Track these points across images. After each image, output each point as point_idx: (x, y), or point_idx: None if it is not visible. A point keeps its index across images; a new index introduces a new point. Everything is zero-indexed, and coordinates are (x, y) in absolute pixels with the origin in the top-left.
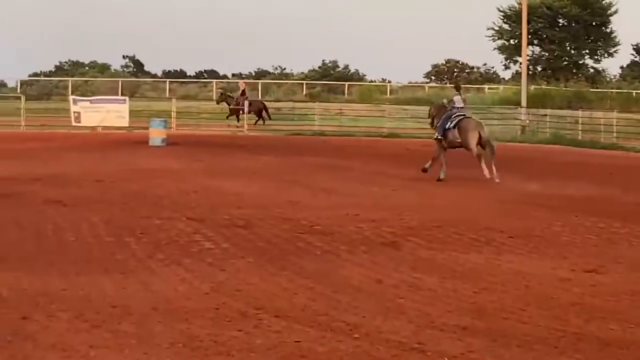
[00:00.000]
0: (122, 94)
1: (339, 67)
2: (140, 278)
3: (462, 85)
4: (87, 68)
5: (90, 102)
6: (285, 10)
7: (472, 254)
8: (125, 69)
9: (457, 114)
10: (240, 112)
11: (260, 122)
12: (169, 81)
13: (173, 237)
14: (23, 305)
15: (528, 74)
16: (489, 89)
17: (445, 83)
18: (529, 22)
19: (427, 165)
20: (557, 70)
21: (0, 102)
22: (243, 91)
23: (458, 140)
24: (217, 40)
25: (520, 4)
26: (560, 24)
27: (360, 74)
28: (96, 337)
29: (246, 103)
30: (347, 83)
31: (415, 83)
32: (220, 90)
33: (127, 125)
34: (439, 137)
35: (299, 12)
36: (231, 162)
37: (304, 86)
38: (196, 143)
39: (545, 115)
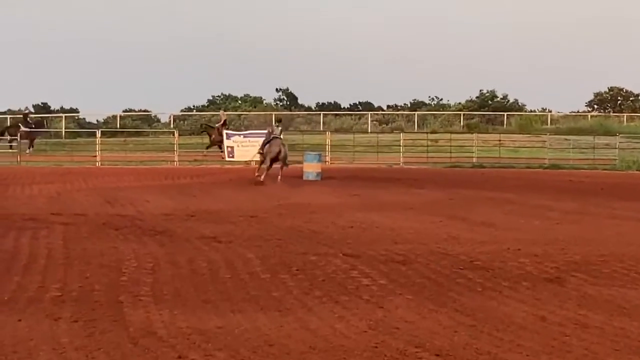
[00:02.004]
0: None
1: (497, 96)
2: (297, 316)
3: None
4: (239, 102)
5: (244, 137)
6: (441, 39)
7: None
8: (278, 102)
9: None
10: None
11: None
12: (323, 114)
13: (329, 274)
14: (179, 344)
15: None
16: None
17: (609, 112)
18: None
19: None
20: None
21: (154, 137)
22: (224, 122)
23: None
24: (373, 71)
25: None
26: None
27: (520, 104)
28: None
29: (224, 133)
30: (505, 113)
31: (577, 112)
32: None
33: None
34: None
35: (454, 41)
36: (387, 196)
37: (462, 117)
38: (351, 176)
39: None
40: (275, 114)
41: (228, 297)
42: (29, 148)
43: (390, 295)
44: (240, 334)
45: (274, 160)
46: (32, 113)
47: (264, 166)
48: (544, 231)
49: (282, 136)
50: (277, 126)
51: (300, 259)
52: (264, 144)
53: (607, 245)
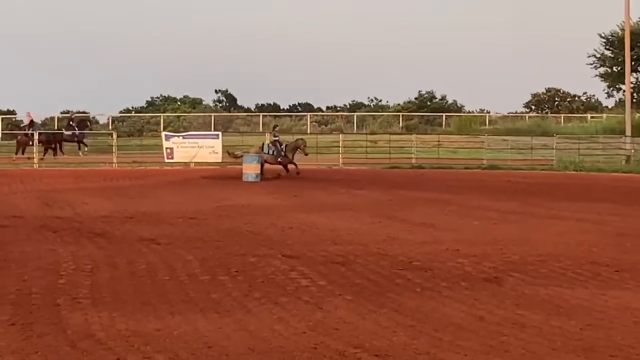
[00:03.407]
0: (214, 129)
1: (435, 97)
2: (236, 317)
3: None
4: (179, 103)
5: (183, 138)
6: (379, 41)
7: (577, 289)
8: (217, 104)
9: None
10: (30, 143)
11: (51, 154)
12: (262, 115)
13: (269, 275)
14: (118, 347)
15: (632, 101)
16: (591, 117)
17: (547, 112)
18: (632, 48)
19: None
20: None
21: (92, 139)
22: (30, 122)
23: None
24: (311, 72)
25: (622, 29)
26: None
27: (458, 105)
28: None
29: (35, 134)
30: (444, 114)
31: (515, 113)
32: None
33: (220, 160)
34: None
35: (393, 42)
36: (327, 197)
37: (401, 118)
38: (291, 178)
39: None
40: (214, 115)
41: (167, 299)
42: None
43: (329, 296)
44: (179, 336)
45: (280, 163)
46: None
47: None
48: (483, 231)
49: (278, 138)
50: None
51: (240, 261)
52: (269, 149)
53: (544, 245)
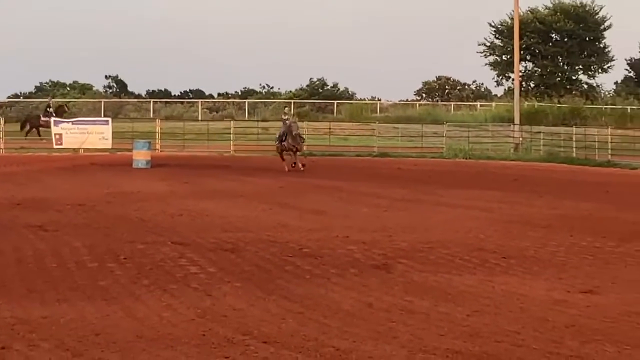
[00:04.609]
0: (104, 115)
1: (327, 85)
2: (124, 305)
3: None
4: (68, 89)
5: (72, 124)
6: (271, 28)
7: (465, 276)
8: (108, 89)
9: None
10: None
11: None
12: (153, 101)
13: (158, 262)
14: (2, 335)
15: (521, 90)
16: (480, 106)
17: (437, 100)
18: (521, 38)
19: None
20: (550, 86)
21: None
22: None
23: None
24: (203, 59)
25: (512, 19)
26: (554, 39)
27: (350, 92)
28: None
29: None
30: (336, 101)
31: (406, 101)
32: None
33: (110, 147)
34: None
35: (285, 29)
36: (218, 184)
37: (292, 105)
38: (181, 164)
39: (539, 132)
40: (104, 101)
41: (54, 286)
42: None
43: (218, 283)
44: (66, 323)
45: (295, 150)
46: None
47: (287, 158)
48: (373, 218)
49: (296, 121)
50: (287, 115)
51: (129, 248)
52: (280, 137)
53: (433, 232)
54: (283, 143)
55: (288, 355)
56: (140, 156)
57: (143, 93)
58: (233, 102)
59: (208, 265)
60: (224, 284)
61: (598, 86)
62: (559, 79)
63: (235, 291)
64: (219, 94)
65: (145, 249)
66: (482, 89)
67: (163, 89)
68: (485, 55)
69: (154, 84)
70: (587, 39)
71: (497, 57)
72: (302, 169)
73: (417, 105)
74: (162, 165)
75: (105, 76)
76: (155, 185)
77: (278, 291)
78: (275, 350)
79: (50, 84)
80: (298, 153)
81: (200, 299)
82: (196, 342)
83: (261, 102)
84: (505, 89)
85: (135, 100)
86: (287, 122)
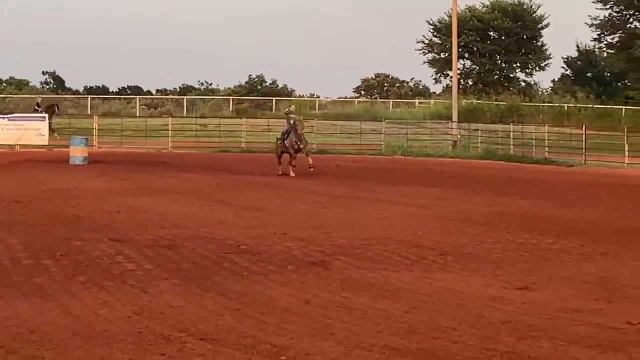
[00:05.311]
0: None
1: (266, 82)
2: (60, 302)
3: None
4: (4, 85)
5: (8, 120)
6: (208, 24)
7: (403, 273)
8: (45, 86)
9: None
10: None
11: None
12: (91, 98)
13: (94, 259)
14: None
15: (459, 88)
16: (419, 103)
17: (376, 98)
18: (459, 36)
19: None
20: (488, 84)
21: None
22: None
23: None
24: (141, 55)
25: (450, 17)
26: (492, 37)
27: (289, 89)
28: None
29: None
30: (275, 99)
31: (345, 98)
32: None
33: (47, 143)
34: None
35: (223, 26)
36: (156, 181)
37: (231, 102)
38: (119, 161)
39: (477, 130)
40: (41, 97)
41: None
42: None
43: (156, 280)
44: (0, 321)
45: (297, 151)
46: None
47: (284, 161)
48: (311, 216)
49: (301, 119)
50: (292, 113)
51: (65, 245)
52: (283, 136)
53: (371, 229)
54: (285, 142)
55: (225, 352)
56: (78, 153)
57: (81, 89)
58: (172, 98)
59: (145, 263)
60: (161, 281)
61: (536, 84)
62: (497, 76)
63: (173, 288)
64: (157, 91)
65: (82, 246)
66: (421, 87)
67: (101, 86)
68: (424, 53)
69: (92, 80)
70: (525, 37)
71: (436, 55)
72: (312, 169)
73: (356, 102)
74: (100, 162)
75: (43, 72)
76: (92, 182)
77: (215, 288)
78: (212, 348)
79: None
80: (300, 154)
81: (137, 296)
82: (133, 340)
83: (200, 99)
84: (443, 87)
85: (73, 96)
86: (292, 120)
